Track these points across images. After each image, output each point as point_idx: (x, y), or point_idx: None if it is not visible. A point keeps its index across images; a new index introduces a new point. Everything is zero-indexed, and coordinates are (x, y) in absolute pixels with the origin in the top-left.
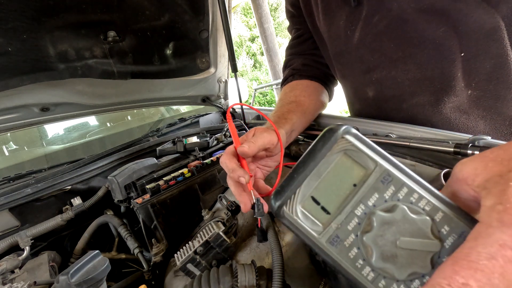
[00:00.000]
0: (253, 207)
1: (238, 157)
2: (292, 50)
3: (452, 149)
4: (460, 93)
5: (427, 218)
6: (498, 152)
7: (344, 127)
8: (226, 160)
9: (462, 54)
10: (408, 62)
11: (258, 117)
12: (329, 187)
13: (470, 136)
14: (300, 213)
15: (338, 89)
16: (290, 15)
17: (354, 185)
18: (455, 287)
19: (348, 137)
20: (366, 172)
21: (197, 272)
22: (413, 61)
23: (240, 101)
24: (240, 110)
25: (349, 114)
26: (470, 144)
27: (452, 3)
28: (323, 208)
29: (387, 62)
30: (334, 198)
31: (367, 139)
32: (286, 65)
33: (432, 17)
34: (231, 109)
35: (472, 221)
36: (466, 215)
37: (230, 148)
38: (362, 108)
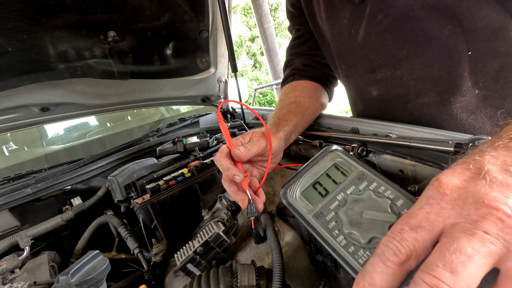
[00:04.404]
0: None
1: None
2: (293, 50)
3: (452, 149)
4: (467, 93)
5: (387, 199)
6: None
7: (335, 146)
8: (221, 159)
9: (470, 53)
10: (413, 61)
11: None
12: (323, 183)
13: (471, 136)
14: (298, 197)
15: (338, 89)
16: (291, 16)
17: (339, 182)
18: (395, 232)
19: (337, 152)
20: (347, 173)
21: (197, 272)
22: (419, 60)
23: (240, 101)
24: (240, 110)
25: (350, 114)
26: (470, 144)
27: (458, 0)
28: (320, 193)
29: (392, 61)
30: (325, 189)
31: (350, 154)
32: (286, 65)
33: (438, 15)
34: (230, 109)
35: None
36: None
37: (224, 147)
38: (365, 108)
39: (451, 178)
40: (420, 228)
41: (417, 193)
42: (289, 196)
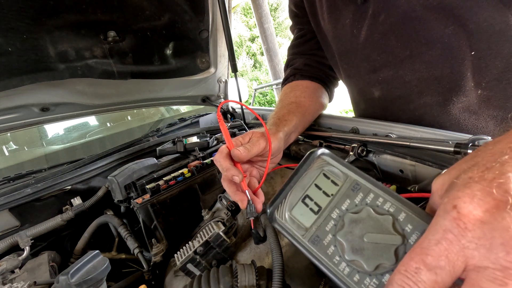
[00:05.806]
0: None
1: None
2: (295, 50)
3: (452, 149)
4: (469, 93)
5: (389, 216)
6: (465, 158)
7: (321, 150)
8: (220, 159)
9: (472, 53)
10: (415, 61)
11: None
12: (313, 197)
13: (471, 136)
14: (288, 218)
15: (338, 90)
16: (293, 15)
17: (332, 194)
18: (410, 271)
19: (324, 157)
20: (339, 183)
21: (197, 272)
22: (421, 60)
23: (240, 101)
24: (240, 110)
25: (350, 114)
26: (470, 144)
27: (461, 0)
28: (311, 210)
29: (394, 61)
30: (316, 204)
31: (339, 158)
32: (288, 65)
33: (441, 15)
34: (230, 109)
35: None
36: (428, 215)
37: (224, 147)
38: (367, 109)
39: (472, 208)
40: (440, 269)
41: (419, 200)
42: (279, 218)
